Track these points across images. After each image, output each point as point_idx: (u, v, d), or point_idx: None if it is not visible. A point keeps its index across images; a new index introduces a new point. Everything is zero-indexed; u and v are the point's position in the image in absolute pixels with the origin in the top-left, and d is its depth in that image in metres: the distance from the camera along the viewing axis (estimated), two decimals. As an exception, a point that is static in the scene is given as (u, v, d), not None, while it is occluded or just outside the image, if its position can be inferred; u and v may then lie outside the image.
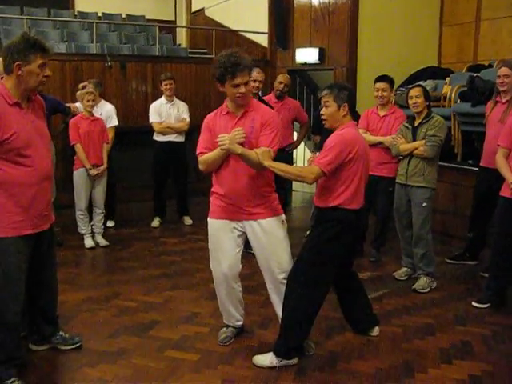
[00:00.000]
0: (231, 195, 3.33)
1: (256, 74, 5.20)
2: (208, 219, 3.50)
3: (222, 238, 3.41)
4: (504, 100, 4.73)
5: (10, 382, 2.98)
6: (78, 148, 5.59)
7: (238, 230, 3.41)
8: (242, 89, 3.19)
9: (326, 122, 3.41)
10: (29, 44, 2.90)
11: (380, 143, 5.02)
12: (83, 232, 5.81)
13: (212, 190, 3.46)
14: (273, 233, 3.38)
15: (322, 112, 3.40)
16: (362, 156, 3.32)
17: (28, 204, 2.98)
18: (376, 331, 3.78)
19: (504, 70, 4.66)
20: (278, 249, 3.39)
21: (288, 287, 3.32)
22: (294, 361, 3.34)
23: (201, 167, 3.39)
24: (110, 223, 6.61)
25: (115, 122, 6.31)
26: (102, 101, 6.33)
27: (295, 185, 8.86)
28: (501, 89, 4.71)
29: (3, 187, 2.90)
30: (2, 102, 2.88)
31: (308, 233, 6.08)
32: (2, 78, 3.01)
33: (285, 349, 3.31)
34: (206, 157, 3.32)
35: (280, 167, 3.21)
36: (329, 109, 3.35)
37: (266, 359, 3.33)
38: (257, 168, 3.21)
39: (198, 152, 3.38)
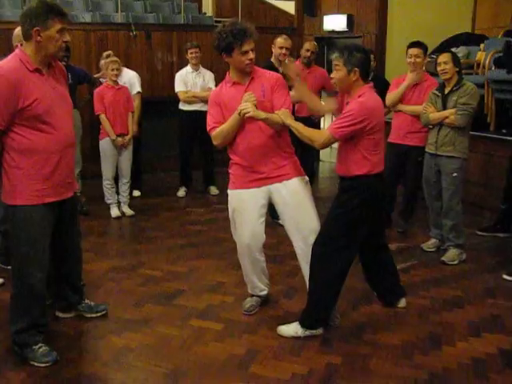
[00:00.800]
0: (254, 162, 3.30)
1: (283, 41, 5.09)
2: (229, 191, 3.47)
3: (246, 209, 3.37)
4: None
5: (36, 347, 3.01)
6: (103, 119, 5.57)
7: (262, 198, 3.37)
8: (251, 55, 3.20)
9: (335, 86, 3.29)
10: (47, 9, 2.84)
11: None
12: (110, 202, 5.84)
13: (231, 161, 3.42)
14: (299, 193, 3.36)
15: (331, 75, 3.27)
16: (383, 122, 3.24)
17: (51, 171, 2.95)
18: (403, 303, 3.72)
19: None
20: (306, 209, 3.37)
21: (313, 258, 3.27)
22: (319, 331, 3.31)
23: (216, 142, 3.36)
24: (136, 193, 6.62)
25: (138, 89, 6.22)
26: (125, 69, 6.28)
27: (322, 155, 8.75)
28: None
29: (26, 154, 2.88)
30: (23, 68, 2.84)
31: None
32: (21, 44, 2.97)
33: (311, 320, 3.28)
34: (220, 129, 3.29)
35: (298, 127, 3.23)
36: (339, 73, 3.18)
37: (291, 329, 3.30)
38: (278, 128, 3.26)
39: (209, 128, 3.34)
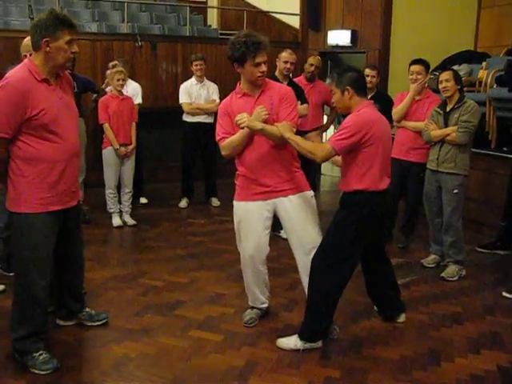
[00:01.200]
0: (260, 175, 3.32)
1: (288, 55, 5.13)
2: (235, 202, 3.48)
3: (251, 220, 3.39)
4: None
5: (37, 354, 3.02)
6: (106, 128, 5.62)
7: (267, 210, 3.39)
8: (263, 67, 3.23)
9: (338, 109, 3.40)
10: (56, 20, 2.88)
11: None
12: (112, 211, 5.87)
13: (238, 172, 3.44)
14: (304, 207, 3.39)
15: (332, 101, 3.39)
16: (381, 137, 3.22)
17: (56, 180, 2.99)
18: (402, 318, 3.73)
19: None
20: (309, 224, 3.39)
21: (312, 270, 3.29)
22: (318, 344, 3.32)
23: (224, 152, 3.37)
24: (143, 200, 6.75)
25: (139, 100, 6.36)
26: (129, 80, 6.36)
27: (324, 169, 8.79)
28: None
29: (32, 163, 2.91)
30: (31, 78, 2.88)
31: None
32: (30, 54, 3.02)
33: (309, 332, 3.29)
34: (229, 140, 3.31)
35: (297, 140, 3.22)
36: (335, 96, 3.29)
37: (290, 342, 3.31)
38: (278, 141, 3.25)
39: (218, 138, 3.37)
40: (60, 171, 2.99)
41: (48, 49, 2.88)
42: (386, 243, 3.93)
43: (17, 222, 2.99)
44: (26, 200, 2.94)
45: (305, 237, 3.38)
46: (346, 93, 3.23)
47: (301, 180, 3.43)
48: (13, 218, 3.01)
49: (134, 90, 6.31)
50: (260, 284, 3.59)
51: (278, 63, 5.23)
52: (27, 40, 3.47)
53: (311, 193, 3.49)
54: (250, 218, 3.39)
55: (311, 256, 3.34)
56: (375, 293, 3.73)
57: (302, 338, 3.30)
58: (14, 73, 2.90)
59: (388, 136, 3.35)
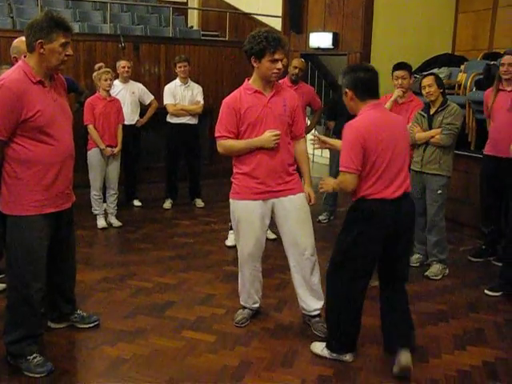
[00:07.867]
0: (262, 174, 3.37)
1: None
2: (232, 201, 3.49)
3: (252, 220, 3.43)
4: (509, 89, 4.70)
5: (31, 357, 3.02)
6: (91, 129, 5.60)
7: (267, 209, 3.44)
8: (279, 64, 3.28)
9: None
10: (52, 23, 2.88)
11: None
12: (96, 212, 5.84)
13: (237, 170, 3.46)
14: (302, 208, 3.46)
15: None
16: (385, 140, 2.97)
17: (51, 182, 2.99)
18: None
19: (508, 59, 4.64)
20: (305, 224, 3.46)
21: (327, 283, 3.23)
22: (346, 357, 3.22)
23: (221, 150, 3.41)
24: (137, 202, 6.82)
25: (151, 96, 6.74)
26: (130, 81, 6.58)
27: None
28: (505, 77, 4.69)
29: (26, 165, 2.91)
30: (26, 80, 2.88)
31: (320, 218, 6.13)
32: (24, 56, 3.01)
33: (333, 344, 3.24)
34: (230, 144, 3.35)
35: (335, 185, 3.14)
36: (343, 96, 3.17)
37: (320, 347, 3.30)
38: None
39: (218, 135, 3.37)
40: (55, 173, 2.99)
41: (42, 50, 2.88)
42: (408, 264, 3.45)
43: (11, 225, 2.98)
44: (20, 202, 2.94)
45: (300, 236, 3.44)
46: (345, 95, 3.10)
47: (299, 181, 3.50)
48: (7, 220, 2.99)
49: (142, 89, 6.64)
50: (256, 282, 3.63)
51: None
52: (16, 41, 3.48)
53: (306, 194, 3.55)
54: (250, 217, 3.42)
55: (305, 256, 3.40)
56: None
57: (328, 347, 3.27)
58: (9, 75, 2.88)
59: (397, 139, 3.04)
